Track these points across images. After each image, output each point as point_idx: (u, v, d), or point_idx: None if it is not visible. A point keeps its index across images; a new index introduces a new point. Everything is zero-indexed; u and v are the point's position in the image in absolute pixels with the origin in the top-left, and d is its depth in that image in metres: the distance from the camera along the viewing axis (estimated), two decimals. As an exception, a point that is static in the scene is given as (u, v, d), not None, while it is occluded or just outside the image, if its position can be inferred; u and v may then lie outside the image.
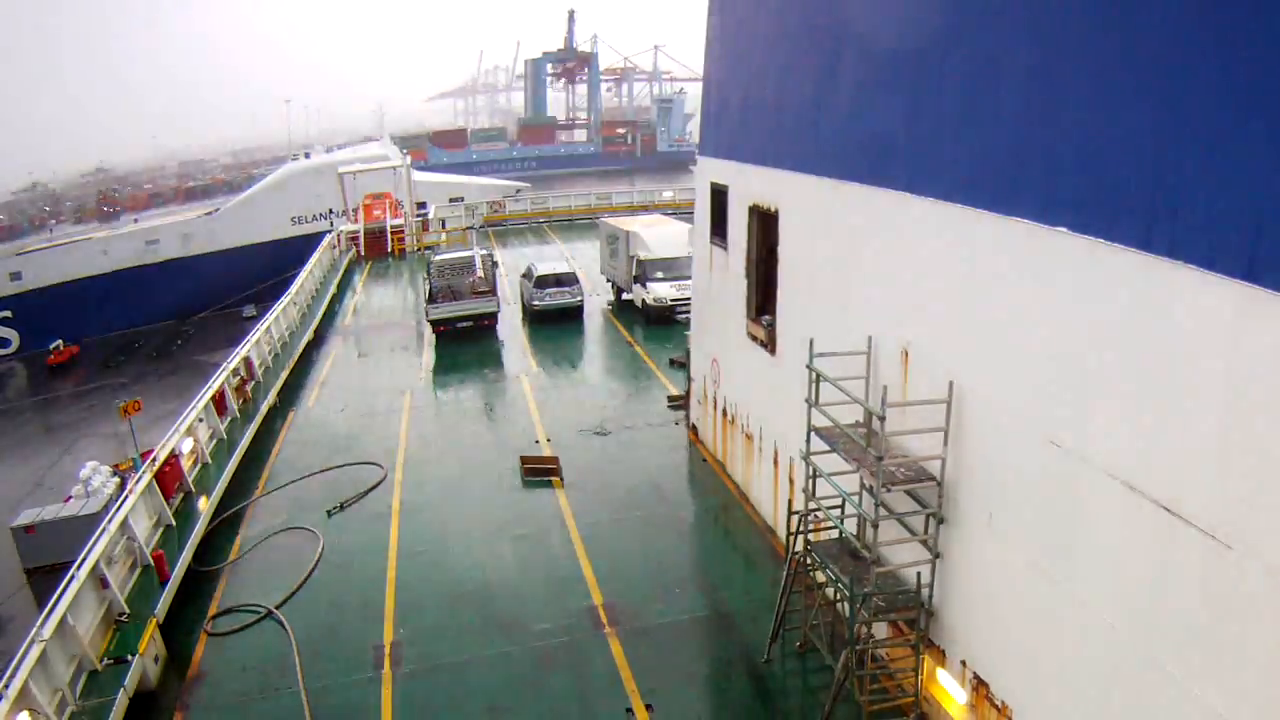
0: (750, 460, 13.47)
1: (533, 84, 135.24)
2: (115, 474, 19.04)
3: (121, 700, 9.70)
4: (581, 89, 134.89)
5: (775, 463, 12.54)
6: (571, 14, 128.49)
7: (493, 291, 26.36)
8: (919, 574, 8.36)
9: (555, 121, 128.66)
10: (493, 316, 25.96)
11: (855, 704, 8.92)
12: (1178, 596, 5.65)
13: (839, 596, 9.44)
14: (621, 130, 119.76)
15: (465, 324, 25.55)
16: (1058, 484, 6.66)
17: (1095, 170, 6.14)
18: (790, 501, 10.91)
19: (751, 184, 12.07)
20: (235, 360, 20.12)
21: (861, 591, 8.33)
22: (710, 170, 12.95)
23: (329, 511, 14.95)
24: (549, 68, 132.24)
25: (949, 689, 8.48)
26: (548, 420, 18.59)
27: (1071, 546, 6.61)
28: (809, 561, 9.80)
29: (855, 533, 9.28)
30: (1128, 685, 6.17)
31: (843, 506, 9.31)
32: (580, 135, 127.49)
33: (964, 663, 8.16)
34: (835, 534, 9.36)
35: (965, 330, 7.81)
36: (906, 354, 8.70)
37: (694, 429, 16.92)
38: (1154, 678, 5.88)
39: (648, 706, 9.57)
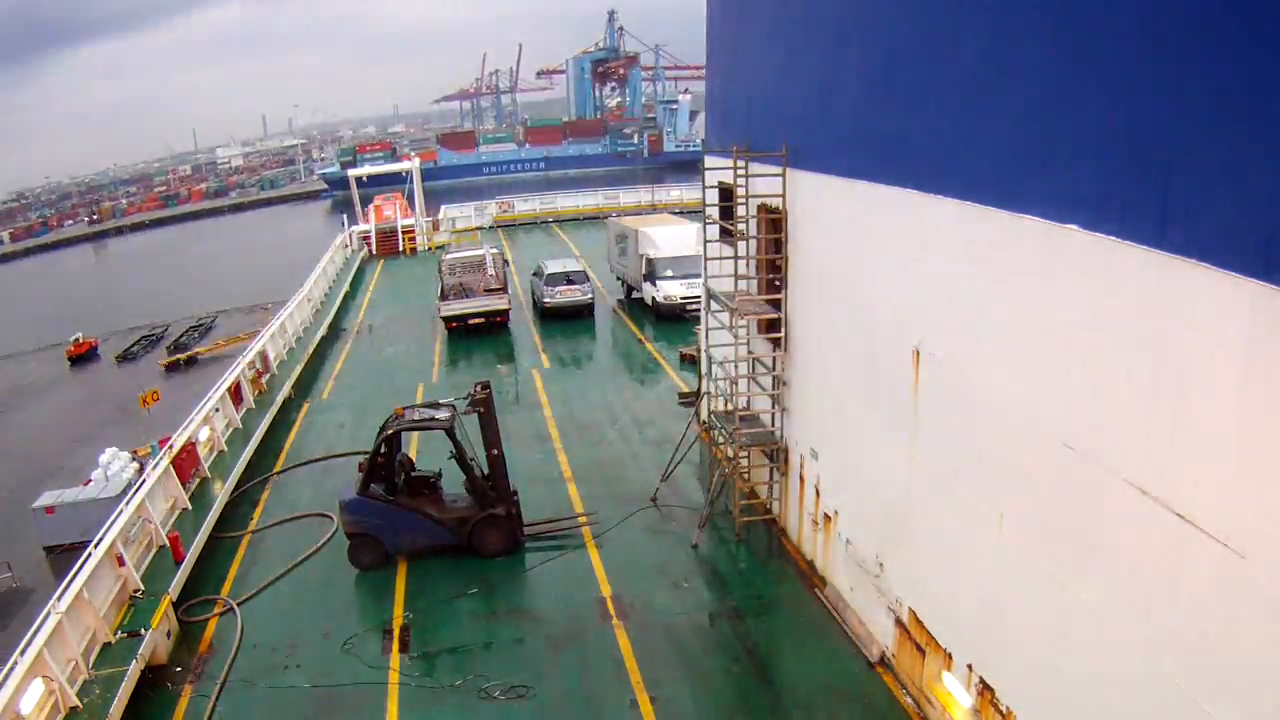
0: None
1: (575, 84, 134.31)
2: (134, 459, 19.33)
3: (133, 671, 9.93)
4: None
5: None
6: (612, 14, 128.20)
7: (504, 289, 26.55)
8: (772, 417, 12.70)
9: (578, 122, 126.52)
10: (504, 314, 26.14)
11: (729, 511, 13.19)
12: (1189, 608, 5.48)
13: (724, 440, 13.38)
14: (628, 131, 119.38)
15: (477, 320, 25.77)
16: (1073, 485, 6.50)
17: (1108, 166, 6.00)
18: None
19: (759, 182, 12.17)
20: (251, 354, 20.46)
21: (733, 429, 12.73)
22: (717, 169, 13.05)
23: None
24: (589, 67, 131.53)
25: (954, 692, 8.40)
26: (559, 414, 18.75)
27: (1084, 553, 6.45)
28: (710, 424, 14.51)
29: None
30: (1134, 698, 6.03)
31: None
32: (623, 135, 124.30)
33: (970, 666, 8.08)
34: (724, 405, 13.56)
35: (977, 330, 7.72)
36: (918, 354, 8.70)
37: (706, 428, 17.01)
38: (1162, 691, 5.71)
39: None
